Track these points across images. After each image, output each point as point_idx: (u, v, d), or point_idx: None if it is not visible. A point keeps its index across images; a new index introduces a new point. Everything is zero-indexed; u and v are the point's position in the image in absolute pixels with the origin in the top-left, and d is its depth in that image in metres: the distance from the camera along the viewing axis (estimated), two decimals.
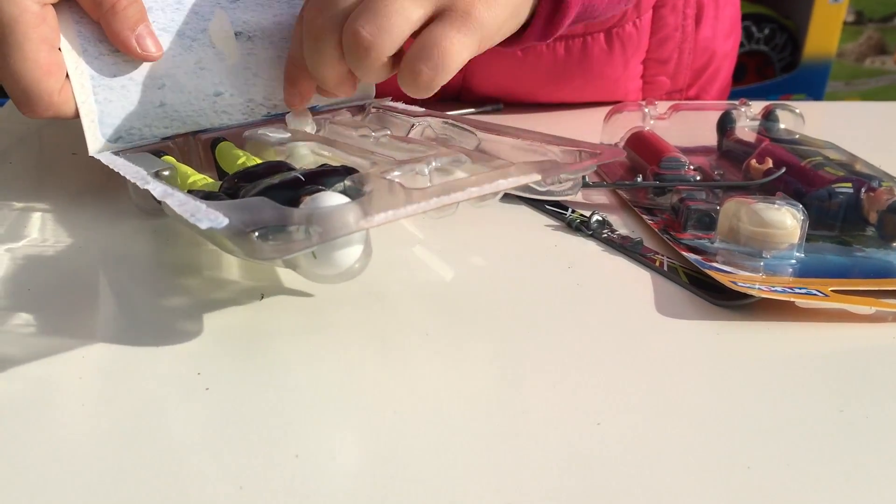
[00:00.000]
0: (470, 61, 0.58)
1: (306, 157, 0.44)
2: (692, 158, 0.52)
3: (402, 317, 0.36)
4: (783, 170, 0.46)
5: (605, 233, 0.44)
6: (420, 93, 0.39)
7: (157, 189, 0.34)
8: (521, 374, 0.32)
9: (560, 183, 0.42)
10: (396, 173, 0.35)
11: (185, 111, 0.45)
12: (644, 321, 0.36)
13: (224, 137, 0.45)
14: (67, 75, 0.41)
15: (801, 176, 0.46)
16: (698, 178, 0.48)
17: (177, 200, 0.32)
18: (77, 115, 0.42)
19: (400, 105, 0.51)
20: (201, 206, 0.30)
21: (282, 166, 0.38)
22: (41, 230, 0.43)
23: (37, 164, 0.51)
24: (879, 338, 0.35)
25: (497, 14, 0.40)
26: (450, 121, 0.47)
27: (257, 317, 0.35)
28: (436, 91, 0.39)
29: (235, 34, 0.46)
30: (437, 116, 0.48)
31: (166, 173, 0.40)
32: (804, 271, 0.40)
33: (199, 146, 0.45)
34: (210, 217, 0.29)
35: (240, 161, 0.42)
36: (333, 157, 0.43)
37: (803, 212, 0.41)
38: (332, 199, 0.31)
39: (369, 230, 0.32)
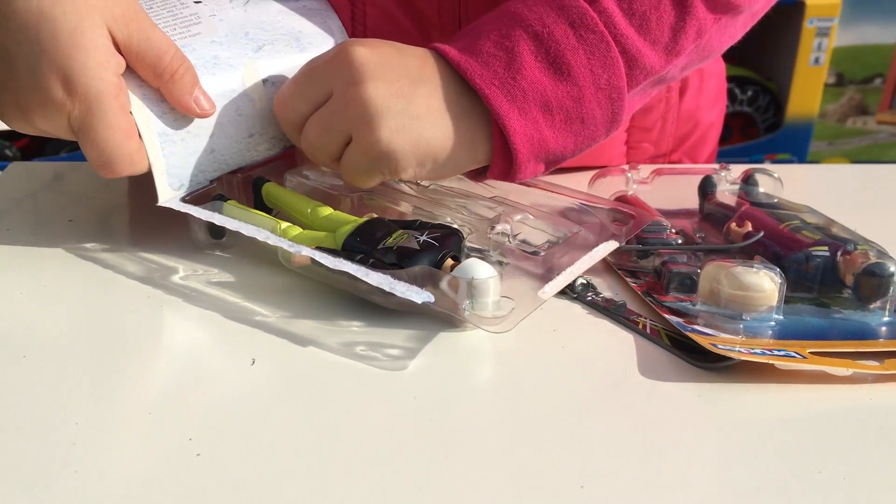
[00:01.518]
0: None
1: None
2: (674, 221, 0.53)
3: (384, 378, 0.36)
4: (761, 233, 0.48)
5: (590, 296, 0.45)
6: None
7: (326, 260, 0.41)
8: (504, 436, 0.33)
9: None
10: (498, 228, 0.46)
11: (229, 154, 0.49)
12: (627, 384, 0.37)
13: (263, 177, 0.50)
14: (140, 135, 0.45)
15: (779, 239, 0.47)
16: (680, 241, 0.49)
17: (362, 272, 0.39)
18: (149, 170, 0.45)
19: None
20: (395, 283, 0.39)
21: (383, 224, 0.44)
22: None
23: (33, 230, 0.52)
24: (857, 399, 0.36)
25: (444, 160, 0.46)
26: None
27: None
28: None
29: (262, 81, 0.50)
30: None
31: (272, 228, 0.45)
32: (783, 333, 0.41)
33: (236, 183, 0.50)
34: (419, 295, 0.38)
35: (312, 209, 0.48)
36: (400, 210, 0.49)
37: (781, 275, 0.42)
38: (481, 269, 0.40)
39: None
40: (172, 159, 0.46)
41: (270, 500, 0.29)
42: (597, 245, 0.46)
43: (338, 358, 0.38)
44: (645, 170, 0.58)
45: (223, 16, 0.51)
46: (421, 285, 0.39)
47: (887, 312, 0.43)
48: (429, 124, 0.44)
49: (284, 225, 0.46)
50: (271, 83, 0.50)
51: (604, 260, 0.50)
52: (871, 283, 0.43)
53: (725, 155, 1.51)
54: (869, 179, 0.69)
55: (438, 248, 0.42)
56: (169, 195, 0.47)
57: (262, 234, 0.44)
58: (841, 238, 0.46)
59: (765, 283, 0.41)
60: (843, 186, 0.67)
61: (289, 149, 0.52)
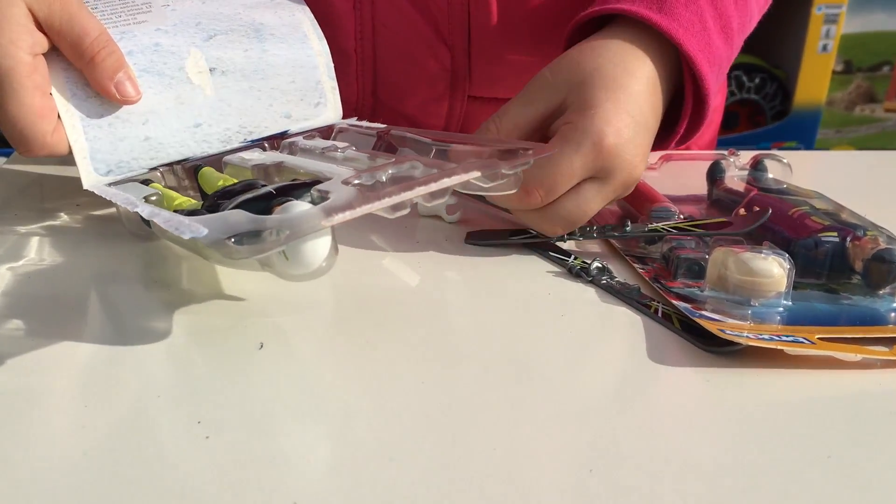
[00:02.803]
0: (466, 116, 0.60)
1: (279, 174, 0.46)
2: (682, 207, 0.53)
3: (394, 364, 0.36)
4: (769, 211, 0.47)
5: (605, 279, 0.45)
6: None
7: (145, 210, 0.38)
8: (512, 420, 0.33)
9: (500, 180, 0.43)
10: (357, 181, 0.38)
11: (169, 143, 0.48)
12: (635, 368, 0.37)
13: (201, 164, 0.48)
14: (59, 117, 0.44)
15: (787, 224, 0.47)
16: (666, 224, 0.49)
17: (162, 218, 0.35)
18: (70, 153, 0.45)
19: (364, 123, 0.54)
20: (184, 220, 0.34)
21: (255, 184, 0.40)
22: (38, 252, 0.45)
23: (39, 215, 0.52)
24: (866, 384, 0.36)
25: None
26: (408, 133, 0.50)
27: (253, 363, 0.36)
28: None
29: (210, 70, 0.49)
30: (397, 130, 0.51)
31: (154, 198, 0.43)
32: (791, 319, 0.40)
33: (183, 174, 0.48)
34: (192, 229, 0.32)
35: (219, 183, 0.45)
36: (299, 173, 0.45)
37: (790, 261, 0.42)
38: (299, 207, 0.35)
39: (334, 232, 0.37)
40: (97, 143, 0.45)
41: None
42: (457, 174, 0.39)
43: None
44: (653, 156, 0.58)
45: (178, 6, 0.50)
46: (243, 232, 0.32)
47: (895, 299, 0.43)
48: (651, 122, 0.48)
49: (173, 197, 0.43)
50: (220, 72, 0.49)
51: (612, 245, 0.50)
52: (880, 269, 0.43)
53: (733, 142, 1.50)
54: (877, 166, 0.69)
55: (273, 196, 0.38)
56: (94, 180, 0.45)
57: (127, 200, 0.41)
58: (850, 224, 0.46)
59: (774, 268, 0.41)
60: (851, 173, 0.66)
61: (253, 143, 0.50)
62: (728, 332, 0.38)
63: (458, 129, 0.63)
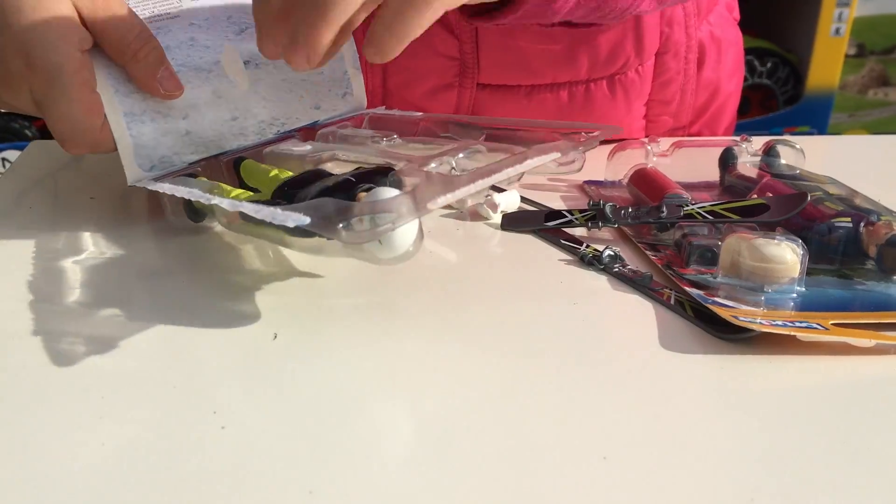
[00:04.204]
0: (475, 104, 0.59)
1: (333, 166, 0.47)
2: (695, 194, 0.53)
3: (406, 351, 0.37)
4: (808, 197, 0.46)
5: (617, 267, 0.45)
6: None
7: (224, 202, 0.37)
8: (526, 407, 0.33)
9: (572, 162, 0.43)
10: (432, 165, 0.39)
11: (208, 136, 0.48)
12: (648, 356, 0.37)
13: (244, 156, 0.49)
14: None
15: (803, 211, 0.47)
16: (694, 206, 0.49)
17: (251, 208, 0.35)
18: (115, 149, 0.45)
19: (396, 112, 0.54)
20: (276, 210, 0.34)
21: (322, 173, 0.41)
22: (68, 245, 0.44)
23: (54, 208, 0.53)
24: (881, 370, 0.36)
25: None
26: (451, 120, 0.50)
27: (273, 350, 0.36)
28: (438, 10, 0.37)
29: (244, 63, 0.50)
30: (435, 119, 0.51)
31: (216, 191, 0.43)
32: (805, 305, 0.40)
33: (221, 167, 0.49)
34: (293, 218, 0.32)
35: (272, 174, 0.45)
36: (358, 161, 0.45)
37: (803, 246, 0.41)
38: (388, 192, 0.35)
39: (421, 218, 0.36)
40: (141, 139, 0.46)
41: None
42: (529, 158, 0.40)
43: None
44: (665, 143, 0.57)
45: (207, 1, 0.50)
46: (334, 222, 0.33)
47: None
48: None
49: (228, 189, 0.44)
50: (255, 65, 0.50)
51: (623, 232, 0.49)
52: (894, 254, 0.42)
53: (744, 128, 1.50)
54: (891, 150, 0.68)
55: (354, 183, 0.39)
56: (138, 175, 0.46)
57: (192, 194, 0.41)
58: (864, 209, 0.46)
59: (787, 254, 0.41)
60: (864, 157, 0.66)
61: (287, 133, 0.52)
62: (741, 318, 0.38)
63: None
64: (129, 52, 0.44)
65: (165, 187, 0.43)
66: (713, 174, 0.58)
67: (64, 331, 0.38)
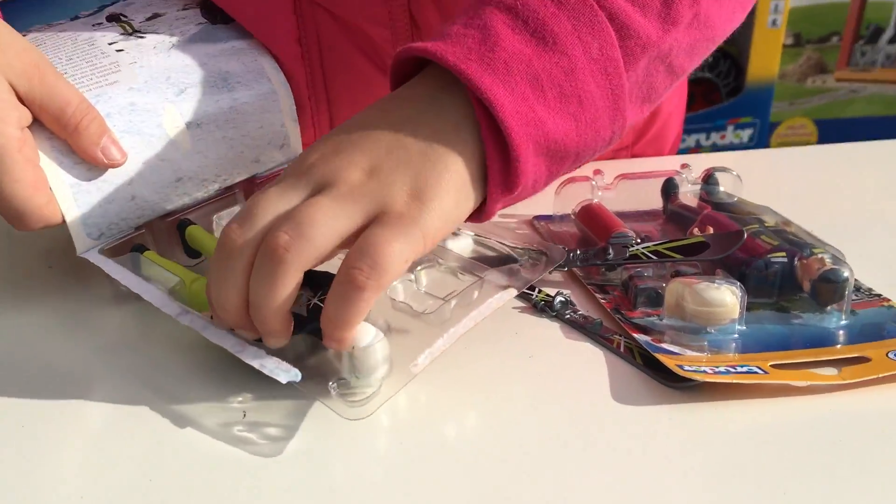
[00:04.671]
0: None
1: None
2: (639, 225, 0.55)
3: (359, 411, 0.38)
4: (745, 235, 0.48)
5: (568, 313, 0.47)
6: (354, 297, 0.36)
7: (215, 336, 0.40)
8: (477, 463, 0.34)
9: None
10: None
11: (153, 199, 0.49)
12: (601, 408, 0.39)
13: (189, 219, 0.50)
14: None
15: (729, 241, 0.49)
16: (639, 247, 0.51)
17: (249, 354, 0.39)
18: (63, 222, 0.45)
19: None
20: (266, 359, 0.38)
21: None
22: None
23: (10, 277, 0.53)
24: (817, 410, 0.38)
25: (435, 210, 0.37)
26: None
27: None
28: (370, 300, 0.36)
29: (186, 124, 0.50)
30: None
31: (178, 287, 0.44)
32: (746, 345, 0.43)
33: (164, 227, 0.50)
34: (285, 374, 0.37)
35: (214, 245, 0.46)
36: None
37: (741, 288, 0.44)
38: (364, 335, 0.39)
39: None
40: (88, 209, 0.46)
41: None
42: (493, 296, 0.44)
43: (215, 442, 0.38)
44: (609, 175, 0.59)
45: (145, 62, 0.50)
46: (305, 356, 0.39)
47: (843, 315, 0.45)
48: (409, 135, 0.39)
49: (192, 279, 0.44)
50: (196, 125, 0.50)
51: (573, 274, 0.51)
52: (827, 289, 0.45)
53: (689, 121, 1.53)
54: (822, 161, 0.71)
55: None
56: (86, 245, 0.46)
57: (157, 299, 0.42)
58: (797, 243, 0.48)
59: (726, 297, 0.43)
60: (797, 170, 0.68)
61: (229, 190, 0.52)
62: (686, 367, 0.40)
63: None
64: (70, 125, 0.45)
65: (127, 278, 0.44)
66: (656, 202, 0.60)
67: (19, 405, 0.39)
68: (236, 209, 0.51)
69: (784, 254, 0.47)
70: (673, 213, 0.58)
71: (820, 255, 0.46)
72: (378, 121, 0.40)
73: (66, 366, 0.43)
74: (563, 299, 0.47)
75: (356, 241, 0.37)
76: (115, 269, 0.45)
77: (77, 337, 0.46)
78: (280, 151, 0.55)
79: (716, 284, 0.44)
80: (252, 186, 0.53)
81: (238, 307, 0.38)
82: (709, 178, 0.58)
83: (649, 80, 0.45)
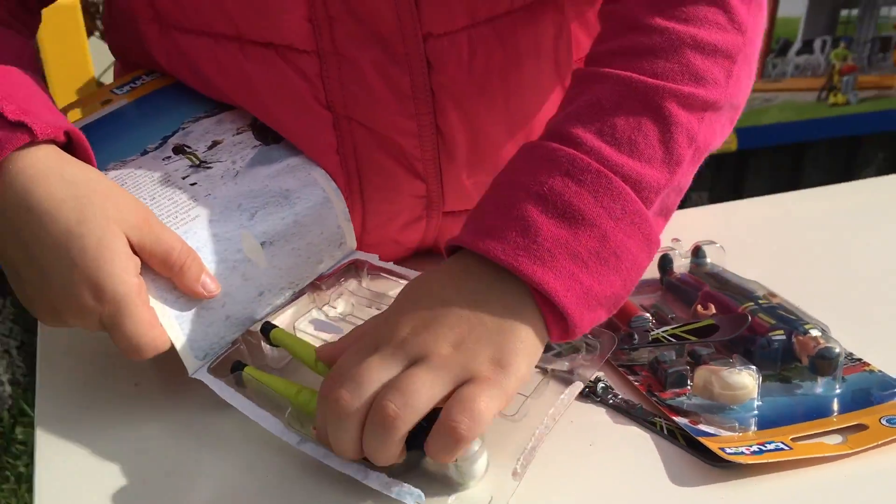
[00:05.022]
0: (441, 229, 0.67)
1: None
2: (640, 297, 0.63)
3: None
4: (749, 319, 0.57)
5: (610, 398, 0.54)
6: (456, 446, 0.43)
7: (338, 464, 0.46)
8: None
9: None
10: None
11: (243, 315, 0.55)
12: (659, 492, 0.47)
13: (270, 322, 0.55)
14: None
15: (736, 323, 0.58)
16: (659, 331, 0.59)
17: (374, 480, 0.45)
18: (170, 348, 0.51)
19: (395, 267, 0.61)
20: (392, 482, 0.45)
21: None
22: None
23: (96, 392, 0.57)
24: (833, 475, 0.47)
25: (513, 374, 0.45)
26: None
27: None
28: (468, 445, 0.44)
29: (261, 244, 0.57)
30: None
31: (289, 411, 0.50)
32: (763, 420, 0.51)
33: (251, 335, 0.56)
34: (408, 492, 0.44)
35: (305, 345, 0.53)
36: None
37: (757, 371, 0.52)
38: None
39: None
40: (192, 335, 0.52)
41: None
42: (563, 392, 0.50)
43: None
44: None
45: (217, 193, 0.57)
46: (414, 464, 0.46)
47: (837, 383, 0.54)
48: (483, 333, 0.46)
49: (296, 392, 0.50)
50: (269, 243, 0.57)
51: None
52: (823, 364, 0.54)
53: None
54: (780, 213, 0.80)
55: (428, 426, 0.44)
56: (195, 365, 0.53)
57: (275, 428, 0.48)
58: (790, 321, 0.57)
59: (747, 380, 0.52)
60: (749, 227, 0.77)
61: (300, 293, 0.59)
62: (728, 450, 0.48)
63: (434, 242, 0.71)
64: (175, 268, 0.51)
65: (243, 405, 0.50)
66: (651, 272, 0.68)
67: None
68: (312, 314, 0.58)
69: (782, 332, 0.56)
70: (670, 285, 0.66)
71: (814, 334, 0.55)
72: (454, 297, 0.47)
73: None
74: (604, 385, 0.55)
75: (451, 399, 0.44)
76: (230, 395, 0.50)
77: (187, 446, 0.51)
78: (339, 250, 0.62)
79: (737, 370, 0.52)
80: (318, 285, 0.60)
81: (356, 454, 0.46)
82: (697, 252, 0.67)
83: (665, 202, 0.54)
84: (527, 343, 0.47)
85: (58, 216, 0.47)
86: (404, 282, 0.58)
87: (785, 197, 0.81)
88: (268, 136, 0.61)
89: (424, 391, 0.43)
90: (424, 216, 0.68)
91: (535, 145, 0.52)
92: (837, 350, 0.54)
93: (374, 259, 0.62)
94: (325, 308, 0.59)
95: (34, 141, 0.49)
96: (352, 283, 0.61)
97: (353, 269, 0.62)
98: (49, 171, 0.49)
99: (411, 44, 0.58)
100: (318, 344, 0.52)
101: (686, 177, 0.54)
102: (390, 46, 0.59)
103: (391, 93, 0.60)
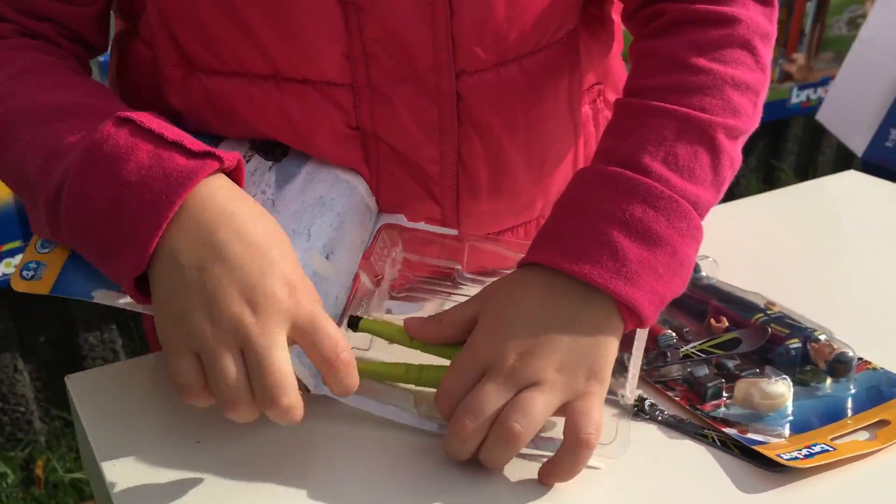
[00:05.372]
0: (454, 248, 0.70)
1: None
2: None
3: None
4: (769, 331, 0.63)
5: (658, 415, 0.58)
6: (587, 454, 0.51)
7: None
8: None
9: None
10: None
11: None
12: (734, 498, 0.51)
13: (355, 315, 0.58)
14: None
15: (758, 336, 0.63)
16: (688, 347, 0.63)
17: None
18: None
19: (425, 226, 0.66)
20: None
21: None
22: None
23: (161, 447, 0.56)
24: (868, 468, 0.53)
25: (607, 379, 0.54)
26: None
27: None
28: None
29: (325, 257, 0.60)
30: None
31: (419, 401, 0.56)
32: (796, 425, 0.57)
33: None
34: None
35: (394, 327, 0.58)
36: None
37: (789, 380, 0.58)
38: None
39: None
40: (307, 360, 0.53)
41: None
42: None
43: None
44: None
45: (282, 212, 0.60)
46: None
47: (851, 383, 0.60)
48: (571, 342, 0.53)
49: (420, 370, 0.56)
50: (330, 252, 0.60)
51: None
52: (841, 368, 0.60)
53: None
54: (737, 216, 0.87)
55: None
56: (312, 383, 0.56)
57: (407, 419, 0.54)
58: (800, 328, 0.63)
59: (783, 389, 0.57)
60: (725, 233, 0.83)
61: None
62: (784, 455, 0.53)
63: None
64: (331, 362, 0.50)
65: (370, 406, 0.55)
66: None
67: None
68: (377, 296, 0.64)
69: (797, 339, 0.62)
70: (674, 301, 0.71)
71: (826, 340, 0.61)
72: (551, 322, 0.54)
73: None
74: (650, 402, 0.59)
75: (569, 415, 0.52)
76: (357, 401, 0.54)
77: None
78: (370, 221, 0.65)
79: (773, 380, 0.57)
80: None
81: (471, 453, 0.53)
82: (695, 268, 0.72)
83: None
84: (612, 352, 0.54)
85: (259, 222, 0.52)
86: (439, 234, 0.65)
87: (746, 202, 0.88)
88: (274, 151, 0.63)
89: (540, 411, 0.51)
90: (438, 241, 0.70)
91: (612, 174, 0.57)
92: (851, 354, 0.60)
93: (402, 220, 0.66)
94: (383, 284, 0.64)
95: (220, 168, 0.53)
96: (393, 251, 0.65)
97: (385, 235, 0.66)
98: (241, 192, 0.54)
99: (444, 78, 0.62)
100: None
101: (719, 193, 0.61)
102: (423, 81, 0.62)
103: (418, 123, 0.63)
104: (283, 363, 0.47)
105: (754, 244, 0.79)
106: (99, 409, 0.59)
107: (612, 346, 0.54)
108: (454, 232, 0.65)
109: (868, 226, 0.83)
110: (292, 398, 0.47)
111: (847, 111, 1.23)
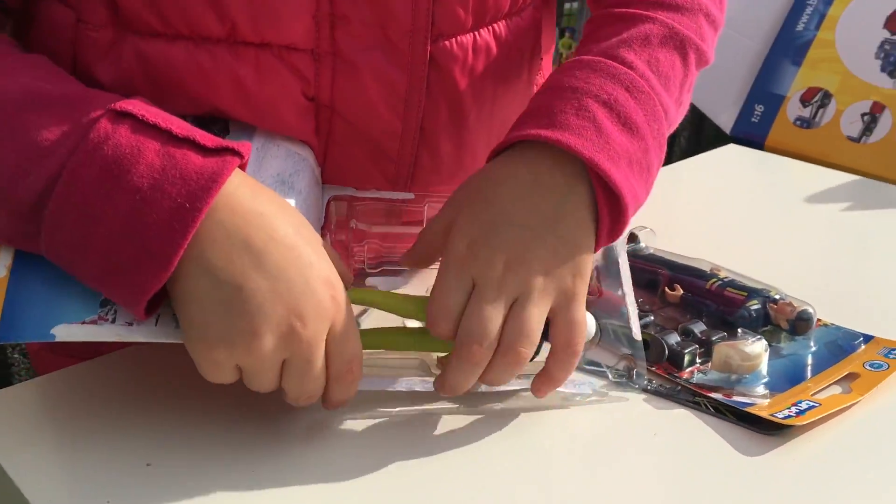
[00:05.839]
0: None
1: None
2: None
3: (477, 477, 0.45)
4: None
5: (646, 384, 0.56)
6: (574, 360, 0.51)
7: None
8: None
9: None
10: None
11: None
12: (737, 463, 0.50)
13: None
14: None
15: (713, 299, 0.63)
16: (652, 318, 0.62)
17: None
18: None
19: (375, 193, 0.62)
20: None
21: None
22: None
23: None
24: (851, 420, 0.54)
25: (585, 278, 0.52)
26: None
27: None
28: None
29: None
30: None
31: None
32: (772, 384, 0.57)
33: None
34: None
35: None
36: None
37: (764, 340, 0.58)
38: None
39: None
40: None
41: None
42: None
43: None
44: None
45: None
46: None
47: (811, 341, 0.61)
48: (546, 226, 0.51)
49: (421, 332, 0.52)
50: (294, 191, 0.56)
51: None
52: (803, 326, 0.60)
53: None
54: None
55: None
56: None
57: (414, 384, 0.52)
58: (755, 290, 0.63)
59: (759, 349, 0.57)
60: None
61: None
62: (777, 415, 0.52)
63: None
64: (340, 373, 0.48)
65: (377, 383, 0.53)
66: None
67: None
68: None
69: (756, 301, 0.62)
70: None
71: (787, 300, 0.62)
72: (535, 223, 0.51)
73: None
74: (636, 370, 0.57)
75: (556, 325, 0.51)
76: (369, 383, 0.51)
77: None
78: (321, 192, 0.61)
79: (750, 341, 0.57)
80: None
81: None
82: (633, 238, 0.71)
83: None
84: (592, 247, 0.53)
85: (285, 218, 0.47)
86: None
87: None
88: (213, 127, 0.56)
89: (537, 324, 0.50)
90: (396, 207, 0.66)
91: (593, 61, 0.55)
92: (812, 311, 0.61)
93: (351, 191, 0.62)
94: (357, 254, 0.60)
95: (241, 164, 0.48)
96: (350, 223, 0.61)
97: (334, 207, 0.61)
98: (258, 184, 0.49)
99: (418, 44, 0.58)
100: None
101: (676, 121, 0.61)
102: (394, 47, 0.57)
103: (382, 94, 0.59)
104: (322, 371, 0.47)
105: (662, 216, 0.79)
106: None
107: (591, 242, 0.53)
108: (410, 195, 0.61)
109: (751, 192, 0.88)
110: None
111: (714, 90, 1.27)
